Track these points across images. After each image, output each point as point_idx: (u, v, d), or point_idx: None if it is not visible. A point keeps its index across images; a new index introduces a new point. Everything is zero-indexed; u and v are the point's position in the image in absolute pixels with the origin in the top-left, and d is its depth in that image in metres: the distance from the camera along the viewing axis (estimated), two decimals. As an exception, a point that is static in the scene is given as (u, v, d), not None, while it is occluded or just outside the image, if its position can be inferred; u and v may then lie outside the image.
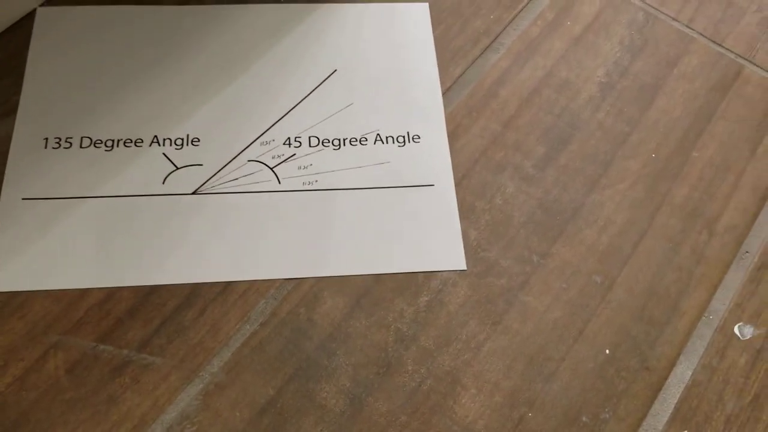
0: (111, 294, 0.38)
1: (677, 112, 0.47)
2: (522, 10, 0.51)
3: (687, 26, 0.51)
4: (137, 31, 0.46)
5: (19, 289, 0.38)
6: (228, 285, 0.39)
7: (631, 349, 0.39)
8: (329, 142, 0.44)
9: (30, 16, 0.46)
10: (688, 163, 0.45)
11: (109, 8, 0.47)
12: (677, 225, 0.43)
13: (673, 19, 0.52)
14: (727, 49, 0.50)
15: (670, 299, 0.41)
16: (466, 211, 0.43)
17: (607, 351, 0.39)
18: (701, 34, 0.51)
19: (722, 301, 0.41)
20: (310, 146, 0.44)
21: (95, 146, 0.42)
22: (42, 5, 0.47)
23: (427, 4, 0.50)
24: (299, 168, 0.43)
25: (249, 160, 0.43)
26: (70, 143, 0.42)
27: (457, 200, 0.43)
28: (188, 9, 0.48)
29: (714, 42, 0.51)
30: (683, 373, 0.39)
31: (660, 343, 0.39)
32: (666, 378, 0.39)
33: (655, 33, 0.51)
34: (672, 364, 0.39)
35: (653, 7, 0.52)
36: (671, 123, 0.47)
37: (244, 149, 0.43)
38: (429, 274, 0.40)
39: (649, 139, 0.46)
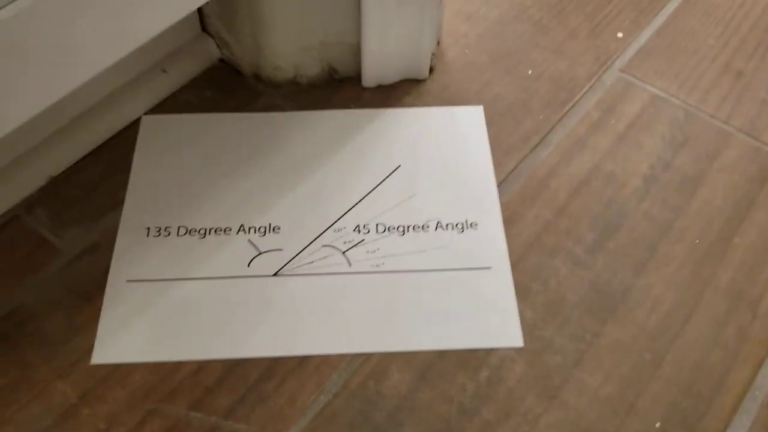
0: (202, 366, 0.43)
1: (718, 202, 0.51)
2: (569, 110, 0.56)
3: (725, 123, 0.55)
4: (228, 134, 0.53)
5: (123, 361, 0.43)
6: (304, 358, 0.43)
7: (680, 423, 0.41)
8: (395, 228, 0.49)
9: (136, 122, 0.54)
10: (731, 248, 0.48)
11: (204, 115, 0.54)
12: (722, 306, 0.46)
13: (712, 116, 0.56)
14: (763, 143, 0.54)
15: (716, 375, 0.43)
16: (522, 292, 0.46)
17: (658, 425, 0.41)
18: (739, 130, 0.55)
19: (767, 378, 0.43)
20: (377, 233, 0.48)
21: (190, 234, 0.48)
22: (146, 113, 0.54)
23: (481, 107, 0.56)
24: (368, 252, 0.48)
25: (323, 245, 0.48)
26: (169, 232, 0.48)
27: (514, 282, 0.47)
28: (272, 115, 0.55)
29: (751, 137, 0.54)
30: (734, 447, 0.41)
31: (708, 418, 0.41)
32: (717, 452, 0.41)
33: (695, 130, 0.55)
34: (722, 439, 0.41)
35: (692, 106, 0.56)
36: (713, 211, 0.50)
37: (319, 236, 0.48)
38: (489, 351, 0.44)
39: (693, 227, 0.50)
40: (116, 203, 0.49)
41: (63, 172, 0.51)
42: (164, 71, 0.54)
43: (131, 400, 0.42)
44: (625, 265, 0.48)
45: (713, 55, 0.60)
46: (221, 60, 0.58)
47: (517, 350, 0.44)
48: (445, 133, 0.54)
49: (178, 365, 0.43)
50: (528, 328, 0.45)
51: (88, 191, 0.50)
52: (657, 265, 0.48)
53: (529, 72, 0.58)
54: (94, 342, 0.44)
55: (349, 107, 0.56)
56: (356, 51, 0.55)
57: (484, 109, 0.56)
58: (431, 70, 0.58)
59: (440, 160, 0.52)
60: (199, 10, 0.56)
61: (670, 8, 0.64)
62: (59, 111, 0.50)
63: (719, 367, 0.43)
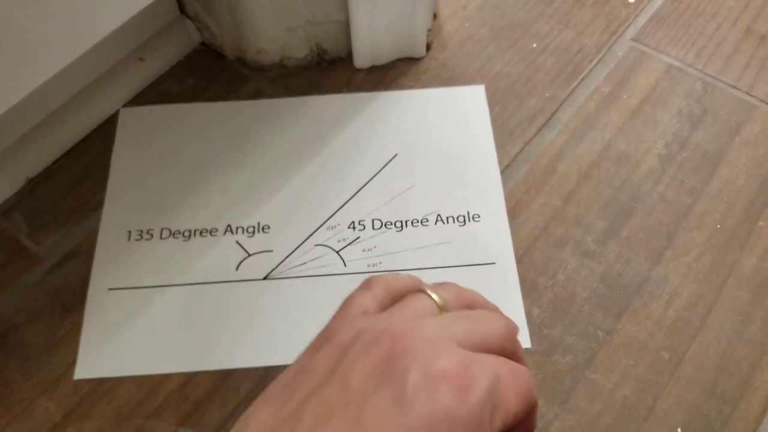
0: (189, 378, 0.40)
1: (741, 181, 0.47)
2: (577, 86, 0.52)
3: (747, 93, 0.51)
4: (212, 126, 0.50)
5: (107, 376, 0.40)
6: (298, 368, 0.41)
7: (703, 427, 0.38)
8: (392, 224, 0.46)
9: (114, 116, 0.50)
10: (755, 232, 0.45)
11: (186, 105, 0.51)
12: (746, 297, 0.43)
13: (732, 87, 0.52)
14: (789, 114, 0.50)
15: (742, 374, 0.40)
16: (528, 289, 0.43)
17: (679, 430, 0.38)
18: (762, 101, 0.51)
19: (797, 378, 0.40)
20: (373, 229, 0.45)
21: (174, 237, 0.45)
22: (125, 106, 0.51)
23: (483, 86, 0.52)
24: (363, 250, 0.45)
25: (316, 245, 0.45)
26: (151, 235, 0.45)
27: (519, 278, 0.43)
28: (259, 102, 0.51)
29: (776, 108, 0.50)
30: (760, 452, 0.38)
31: (733, 421, 0.38)
32: (742, 458, 0.38)
33: (715, 102, 0.51)
34: (748, 444, 0.38)
35: (711, 76, 0.52)
36: (735, 192, 0.47)
37: (311, 234, 0.45)
38: (494, 354, 0.41)
39: (713, 210, 0.46)
40: (96, 205, 0.47)
41: (40, 173, 0.48)
42: (141, 59, 0.51)
43: (117, 417, 0.39)
44: (639, 255, 0.44)
45: (733, 18, 0.56)
46: (203, 43, 0.55)
47: (525, 351, 0.41)
48: (445, 117, 0.50)
49: (164, 378, 0.40)
50: (535, 327, 0.42)
51: (67, 193, 0.47)
52: (674, 254, 0.44)
53: (534, 45, 0.54)
54: (77, 356, 0.41)
55: (341, 91, 0.52)
56: (346, 29, 0.51)
57: (486, 88, 0.52)
58: (428, 47, 0.54)
59: (439, 147, 0.49)
60: (178, -10, 0.52)
61: (685, -32, 0.59)
62: (33, 108, 0.47)
63: (744, 365, 0.40)
